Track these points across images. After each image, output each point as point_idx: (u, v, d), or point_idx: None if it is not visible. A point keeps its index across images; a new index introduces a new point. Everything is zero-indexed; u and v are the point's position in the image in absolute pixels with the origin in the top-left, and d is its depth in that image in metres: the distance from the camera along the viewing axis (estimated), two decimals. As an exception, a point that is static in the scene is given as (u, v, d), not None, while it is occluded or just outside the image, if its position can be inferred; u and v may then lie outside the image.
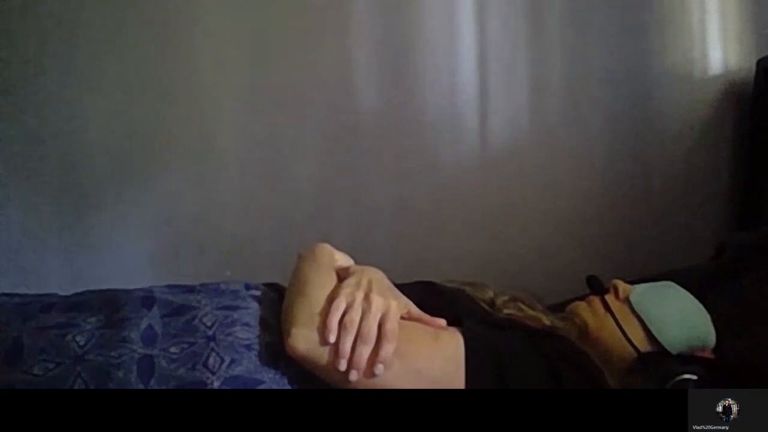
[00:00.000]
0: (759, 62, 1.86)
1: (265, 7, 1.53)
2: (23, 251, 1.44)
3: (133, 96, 1.47)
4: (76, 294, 0.85)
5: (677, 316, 0.98)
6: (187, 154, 1.54)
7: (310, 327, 0.74)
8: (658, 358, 0.94)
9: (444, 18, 1.69)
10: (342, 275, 0.82)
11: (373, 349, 0.73)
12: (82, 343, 0.72)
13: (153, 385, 0.70)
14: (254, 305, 0.83)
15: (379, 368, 0.73)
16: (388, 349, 0.73)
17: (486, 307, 0.95)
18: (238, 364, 0.74)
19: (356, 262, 0.89)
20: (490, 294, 0.99)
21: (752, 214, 1.87)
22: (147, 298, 0.81)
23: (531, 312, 0.96)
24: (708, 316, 1.00)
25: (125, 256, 1.52)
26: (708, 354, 0.98)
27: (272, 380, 0.74)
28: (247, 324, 0.79)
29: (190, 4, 1.49)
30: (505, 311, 0.95)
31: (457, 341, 0.78)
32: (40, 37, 1.39)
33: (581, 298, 1.06)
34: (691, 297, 1.01)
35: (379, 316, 0.75)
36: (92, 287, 0.86)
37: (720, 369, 0.93)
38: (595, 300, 1.03)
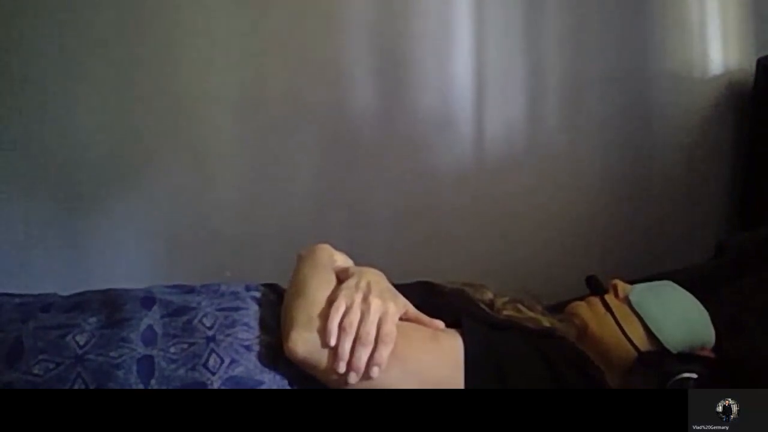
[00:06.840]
0: (759, 62, 1.86)
1: (263, 11, 1.53)
2: (23, 251, 1.44)
3: (133, 97, 1.47)
4: (76, 294, 0.85)
5: (677, 314, 0.98)
6: (187, 155, 1.54)
7: (310, 329, 0.74)
8: (658, 357, 0.94)
9: (440, 23, 1.69)
10: (341, 276, 0.82)
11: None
12: (82, 343, 0.72)
13: (153, 385, 0.70)
14: (254, 306, 0.83)
15: (375, 371, 0.72)
16: (383, 352, 0.73)
17: (485, 308, 0.95)
18: (238, 364, 0.74)
19: (354, 264, 0.89)
20: (489, 295, 0.99)
21: (752, 214, 1.88)
22: (147, 298, 0.81)
23: (530, 313, 0.96)
24: (708, 316, 1.00)
25: (125, 256, 1.52)
26: (708, 353, 0.98)
27: (272, 381, 0.74)
28: (247, 325, 0.79)
29: (189, 7, 1.49)
30: (505, 312, 0.95)
31: (456, 342, 0.78)
32: (39, 39, 1.39)
33: (581, 299, 1.06)
34: (691, 296, 1.01)
35: (377, 318, 0.74)
36: (92, 287, 0.86)
37: (720, 368, 0.93)
38: (595, 300, 1.03)
